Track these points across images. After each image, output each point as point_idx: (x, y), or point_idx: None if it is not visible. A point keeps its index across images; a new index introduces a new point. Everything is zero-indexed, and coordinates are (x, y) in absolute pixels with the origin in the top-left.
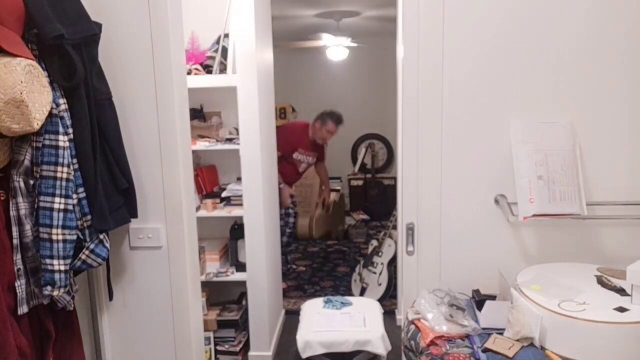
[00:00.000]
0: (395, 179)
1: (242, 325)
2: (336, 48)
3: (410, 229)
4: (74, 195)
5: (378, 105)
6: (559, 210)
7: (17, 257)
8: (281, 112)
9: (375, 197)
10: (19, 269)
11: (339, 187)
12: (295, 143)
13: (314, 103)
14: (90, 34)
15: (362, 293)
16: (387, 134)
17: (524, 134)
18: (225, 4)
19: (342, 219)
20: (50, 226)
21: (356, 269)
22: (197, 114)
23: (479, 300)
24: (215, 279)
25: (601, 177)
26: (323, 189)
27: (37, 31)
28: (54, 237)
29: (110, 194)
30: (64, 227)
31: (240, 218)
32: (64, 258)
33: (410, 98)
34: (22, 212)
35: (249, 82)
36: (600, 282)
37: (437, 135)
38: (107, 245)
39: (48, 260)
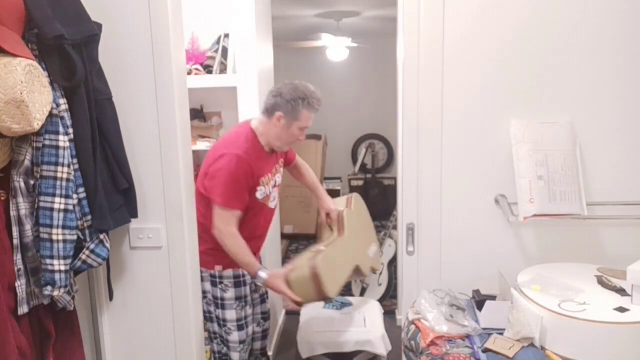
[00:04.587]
0: (395, 179)
1: None
2: (336, 48)
3: (410, 229)
4: (74, 195)
5: (378, 105)
6: (559, 210)
7: (17, 257)
8: None
9: (375, 197)
10: (19, 269)
11: (338, 187)
12: (255, 172)
13: None
14: (90, 34)
15: (362, 293)
16: (387, 134)
17: (524, 134)
18: (225, 4)
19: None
20: (51, 226)
21: None
22: (197, 114)
23: (479, 300)
24: None
25: (601, 177)
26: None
27: (37, 31)
28: (54, 237)
29: (110, 194)
30: (64, 227)
31: None
32: (64, 258)
33: (410, 98)
34: (22, 212)
35: (249, 82)
36: (600, 282)
37: (437, 135)
38: (107, 245)
39: (48, 260)
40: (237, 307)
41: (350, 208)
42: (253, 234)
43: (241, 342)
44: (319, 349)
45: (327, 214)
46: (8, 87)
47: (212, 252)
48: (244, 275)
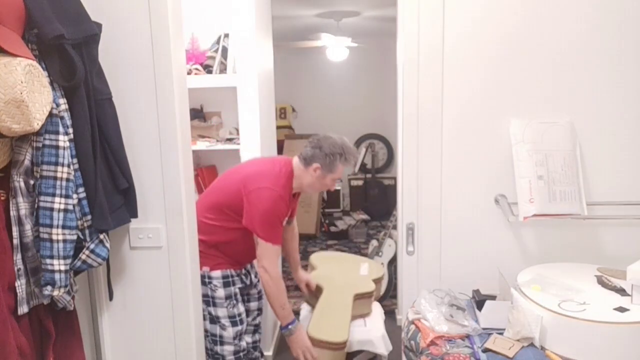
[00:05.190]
0: (395, 179)
1: None
2: (336, 48)
3: (410, 229)
4: (74, 195)
5: (378, 105)
6: (559, 210)
7: (17, 257)
8: (281, 112)
9: (375, 197)
10: (19, 269)
11: (338, 187)
12: (287, 212)
13: (314, 103)
14: (90, 34)
15: None
16: (387, 134)
17: (524, 134)
18: (225, 4)
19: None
20: (51, 226)
21: None
22: (197, 114)
23: (479, 300)
24: None
25: (601, 177)
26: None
27: (37, 31)
28: (54, 237)
29: (111, 194)
30: (64, 227)
31: None
32: (64, 258)
33: (410, 98)
34: (22, 212)
35: (249, 82)
36: (600, 282)
37: (437, 135)
38: (107, 245)
39: (48, 260)
40: (229, 305)
41: (315, 269)
42: (250, 254)
43: (235, 337)
44: None
45: (307, 285)
46: (8, 87)
47: (199, 254)
48: (232, 276)
